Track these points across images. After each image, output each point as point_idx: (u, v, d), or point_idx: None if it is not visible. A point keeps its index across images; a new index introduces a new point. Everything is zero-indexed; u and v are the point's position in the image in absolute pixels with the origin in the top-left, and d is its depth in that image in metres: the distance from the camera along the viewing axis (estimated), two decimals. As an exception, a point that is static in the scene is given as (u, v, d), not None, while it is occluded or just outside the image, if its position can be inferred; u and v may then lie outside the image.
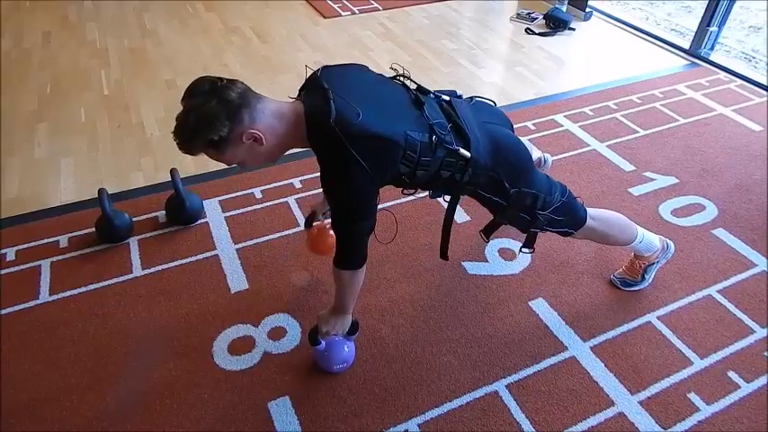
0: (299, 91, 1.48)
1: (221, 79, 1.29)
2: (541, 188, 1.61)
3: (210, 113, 1.24)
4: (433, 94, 1.58)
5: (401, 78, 1.56)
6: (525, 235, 1.69)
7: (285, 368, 1.72)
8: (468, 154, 1.46)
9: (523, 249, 1.71)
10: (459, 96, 1.65)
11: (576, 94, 3.21)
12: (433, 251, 2.11)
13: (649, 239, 1.90)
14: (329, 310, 1.64)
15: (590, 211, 1.76)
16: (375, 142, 1.32)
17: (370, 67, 1.57)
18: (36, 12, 4.17)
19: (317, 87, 1.38)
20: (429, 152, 1.41)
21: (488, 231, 1.77)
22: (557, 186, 1.66)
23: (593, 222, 1.75)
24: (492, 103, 1.72)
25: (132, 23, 4.04)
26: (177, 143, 1.30)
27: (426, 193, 1.73)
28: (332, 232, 1.90)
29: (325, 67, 1.46)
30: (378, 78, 1.53)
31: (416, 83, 1.57)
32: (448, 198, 1.68)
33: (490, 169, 1.52)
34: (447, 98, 1.57)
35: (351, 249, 1.48)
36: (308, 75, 1.46)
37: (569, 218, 1.70)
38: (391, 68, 1.62)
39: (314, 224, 1.93)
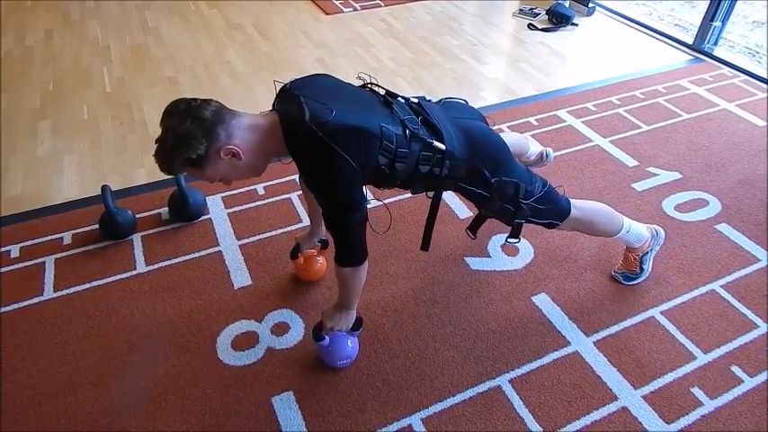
0: (273, 104, 1.49)
1: (195, 99, 1.31)
2: (522, 177, 1.63)
3: (187, 133, 1.26)
4: (402, 97, 1.61)
5: (369, 86, 1.60)
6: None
7: (289, 363, 1.73)
8: (442, 146, 1.49)
9: (509, 240, 1.73)
10: (429, 100, 1.69)
11: (578, 90, 3.21)
12: (436, 247, 2.12)
13: (637, 230, 1.91)
14: (333, 307, 1.64)
15: (574, 201, 1.77)
16: (352, 134, 1.34)
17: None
18: (38, 10, 4.18)
19: (289, 96, 1.41)
20: (405, 144, 1.44)
21: (474, 227, 1.77)
22: (537, 177, 1.69)
23: (578, 212, 1.76)
24: (463, 102, 1.76)
25: (134, 21, 4.05)
26: (158, 164, 1.31)
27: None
28: (318, 259, 1.96)
29: (294, 80, 1.49)
30: (346, 84, 1.56)
31: (385, 89, 1.60)
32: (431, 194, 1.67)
33: (468, 161, 1.55)
34: (416, 100, 1.62)
35: (349, 244, 1.48)
36: (278, 89, 1.48)
37: (552, 208, 1.71)
38: (358, 77, 1.65)
39: (299, 254, 1.95)
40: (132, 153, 2.66)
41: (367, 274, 1.56)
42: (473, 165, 1.56)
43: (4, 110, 2.97)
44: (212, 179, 1.39)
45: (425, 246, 1.73)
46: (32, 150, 2.67)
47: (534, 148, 2.35)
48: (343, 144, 1.32)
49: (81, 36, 3.80)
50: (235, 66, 3.46)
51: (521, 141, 2.31)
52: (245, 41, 3.77)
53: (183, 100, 1.32)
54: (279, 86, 1.49)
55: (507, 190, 1.61)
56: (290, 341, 1.79)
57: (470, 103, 1.80)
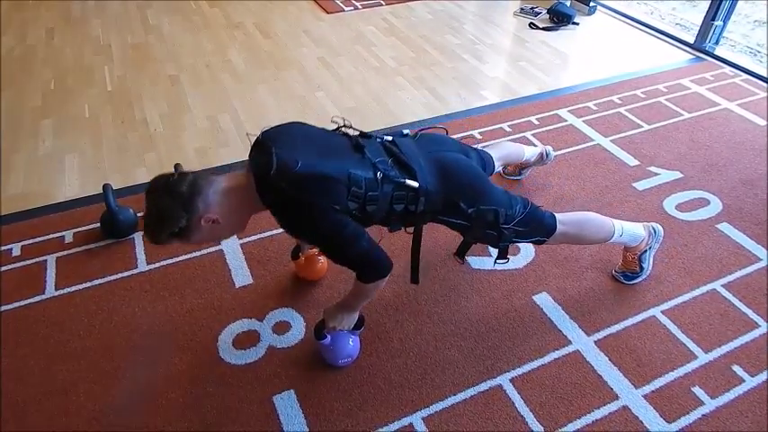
0: (249, 158, 1.51)
1: (173, 174, 1.36)
2: (500, 203, 1.64)
3: (167, 209, 1.32)
4: (377, 137, 1.63)
5: (343, 129, 1.62)
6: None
7: (290, 362, 1.73)
8: (415, 184, 1.52)
9: (498, 261, 1.74)
10: (406, 135, 1.71)
11: (579, 89, 3.20)
12: (437, 246, 2.12)
13: (632, 231, 1.90)
14: (336, 306, 1.65)
15: (559, 216, 1.78)
16: (319, 182, 1.37)
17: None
18: (39, 8, 4.18)
19: (261, 148, 1.43)
20: (375, 187, 1.46)
21: (461, 253, 1.78)
22: (517, 199, 1.69)
23: (564, 227, 1.77)
24: (441, 132, 1.79)
25: (135, 19, 4.05)
26: (147, 239, 1.38)
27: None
28: (320, 259, 1.95)
29: (265, 131, 1.50)
30: (318, 130, 1.58)
31: (358, 130, 1.63)
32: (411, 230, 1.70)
33: (443, 194, 1.57)
34: (390, 138, 1.64)
35: (365, 265, 1.50)
36: (253, 141, 1.50)
37: (536, 228, 1.73)
38: (332, 122, 1.67)
39: (300, 254, 1.95)
40: (133, 152, 2.66)
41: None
42: (449, 198, 1.59)
43: (6, 108, 2.98)
44: (199, 243, 1.45)
45: (415, 278, 1.76)
46: (34, 149, 2.67)
47: (532, 151, 2.35)
48: (310, 193, 1.36)
49: (82, 35, 3.80)
50: (236, 64, 3.46)
51: (515, 151, 2.30)
52: (246, 40, 3.77)
53: (162, 177, 1.37)
54: (254, 138, 1.51)
55: (486, 218, 1.63)
56: (291, 340, 1.80)
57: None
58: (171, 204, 1.31)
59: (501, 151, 2.19)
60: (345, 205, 1.42)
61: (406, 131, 1.74)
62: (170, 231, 1.33)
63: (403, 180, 1.51)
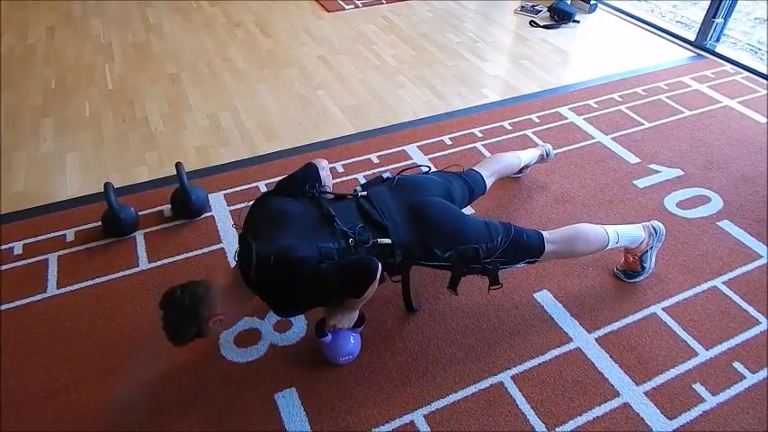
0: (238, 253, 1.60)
1: (176, 291, 1.47)
2: (479, 238, 1.67)
3: (178, 324, 1.47)
4: (351, 194, 1.74)
5: (318, 195, 1.68)
6: None
7: (291, 360, 1.73)
8: (388, 241, 1.59)
9: (491, 287, 1.76)
10: (386, 179, 1.77)
11: (580, 87, 3.20)
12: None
13: (629, 234, 1.89)
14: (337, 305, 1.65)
15: (547, 234, 1.77)
16: (293, 266, 1.46)
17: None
18: (40, 7, 4.18)
19: (244, 242, 1.54)
20: (349, 253, 1.55)
21: (453, 286, 1.78)
22: (498, 229, 1.70)
23: (553, 246, 1.77)
24: (425, 170, 1.92)
25: (136, 18, 4.05)
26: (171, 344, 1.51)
27: None
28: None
29: (247, 219, 1.65)
30: (291, 207, 1.63)
31: (333, 193, 1.73)
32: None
33: (418, 242, 1.63)
34: (364, 193, 1.73)
35: (352, 280, 1.52)
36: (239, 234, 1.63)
37: (521, 252, 1.74)
38: (308, 189, 1.70)
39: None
40: (134, 150, 2.66)
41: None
42: (425, 244, 1.64)
43: (7, 107, 2.98)
44: (214, 335, 1.62)
45: (409, 308, 1.86)
46: (35, 148, 2.68)
47: (529, 157, 2.34)
48: (286, 277, 1.47)
49: (83, 33, 3.80)
50: (236, 63, 3.46)
51: (510, 163, 2.25)
52: (246, 39, 3.77)
53: (170, 294, 1.47)
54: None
55: (467, 256, 1.66)
56: (292, 338, 1.80)
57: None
58: (180, 318, 1.46)
59: (495, 165, 2.16)
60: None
61: (386, 175, 1.81)
62: (186, 339, 1.49)
63: (375, 240, 1.58)
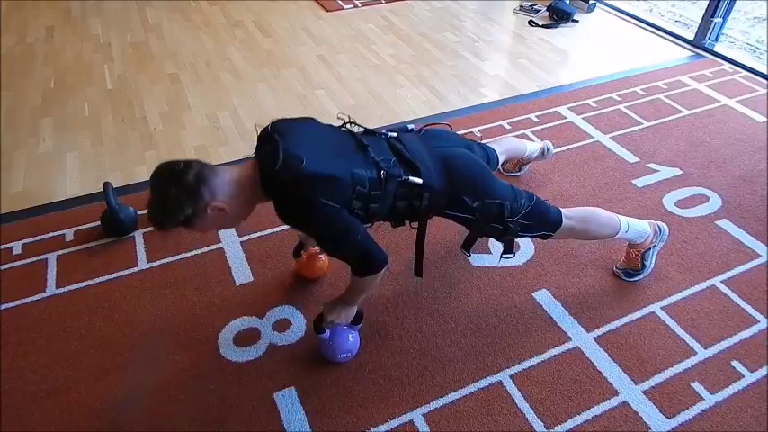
0: (256, 149, 1.53)
1: (179, 163, 1.36)
2: (505, 196, 1.65)
3: (173, 199, 1.33)
4: (381, 133, 1.65)
5: (348, 126, 1.63)
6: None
7: (290, 359, 1.73)
8: (419, 180, 1.53)
9: (504, 256, 1.75)
10: (411, 130, 1.73)
11: (579, 86, 3.21)
12: (437, 243, 2.12)
13: (638, 227, 1.90)
14: (335, 300, 1.66)
15: (565, 211, 1.78)
16: (323, 183, 1.38)
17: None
18: (39, 7, 4.18)
19: (268, 141, 1.45)
20: (378, 186, 1.48)
21: (467, 246, 1.78)
22: (522, 193, 1.70)
23: (570, 222, 1.77)
24: (447, 127, 1.81)
25: (135, 18, 4.05)
26: (152, 226, 1.38)
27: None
28: (321, 257, 1.97)
29: (275, 122, 1.52)
30: (324, 128, 1.59)
31: (363, 127, 1.64)
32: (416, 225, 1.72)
33: (447, 189, 1.58)
34: (394, 134, 1.65)
35: (360, 259, 1.51)
36: (260, 131, 1.52)
37: (541, 221, 1.73)
38: (338, 118, 1.68)
39: (302, 252, 1.96)
40: (133, 150, 2.66)
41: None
42: (453, 193, 1.60)
43: (6, 107, 2.98)
44: (203, 232, 1.47)
45: (418, 271, 1.78)
46: (34, 147, 2.67)
47: (534, 147, 2.36)
48: (313, 192, 1.37)
49: (82, 33, 3.80)
50: (236, 63, 3.46)
51: (515, 147, 2.30)
52: (245, 39, 3.77)
53: (166, 165, 1.36)
54: (263, 128, 1.53)
55: (492, 211, 1.63)
56: (291, 337, 1.80)
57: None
58: (177, 193, 1.32)
59: (504, 146, 2.20)
60: (348, 205, 1.44)
61: (410, 126, 1.75)
62: (176, 220, 1.34)
63: (406, 177, 1.52)
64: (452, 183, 1.59)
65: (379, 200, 1.49)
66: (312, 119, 1.60)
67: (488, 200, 1.62)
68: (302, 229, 1.53)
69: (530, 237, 1.76)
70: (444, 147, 1.68)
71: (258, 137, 1.52)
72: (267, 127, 1.50)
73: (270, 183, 1.41)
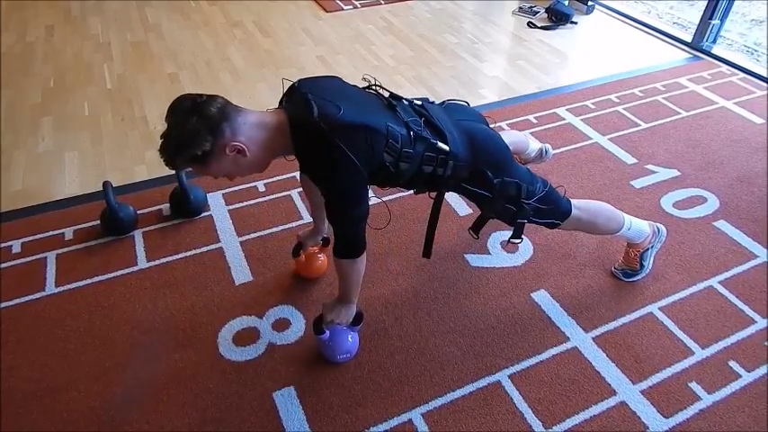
0: (280, 102, 1.51)
1: (201, 96, 1.31)
2: (523, 178, 1.66)
3: (192, 130, 1.26)
4: (405, 99, 1.63)
5: (374, 88, 1.61)
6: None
7: (289, 359, 1.74)
8: (446, 147, 1.52)
9: (512, 240, 1.74)
10: (432, 102, 1.70)
11: (577, 88, 3.21)
12: (436, 244, 2.11)
13: (638, 226, 1.91)
14: (334, 300, 1.66)
15: (575, 201, 1.79)
16: (359, 132, 1.36)
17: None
18: (39, 6, 4.17)
19: (297, 94, 1.43)
20: (409, 145, 1.46)
21: (477, 227, 1.79)
22: (537, 178, 1.71)
23: (579, 212, 1.77)
24: (465, 104, 1.79)
25: (135, 17, 4.05)
26: (163, 159, 1.32)
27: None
28: (320, 257, 1.98)
29: (302, 79, 1.50)
30: (352, 86, 1.57)
31: (389, 91, 1.61)
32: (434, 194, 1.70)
33: (470, 162, 1.57)
34: (419, 102, 1.63)
35: (348, 237, 1.50)
36: (287, 87, 1.50)
37: (553, 208, 1.73)
38: (363, 79, 1.67)
39: (302, 252, 1.97)
40: (133, 149, 2.67)
41: (368, 270, 1.57)
42: (476, 166, 1.59)
43: (6, 106, 2.98)
44: (216, 175, 1.40)
45: (427, 253, 1.75)
46: (34, 146, 2.68)
47: (534, 146, 2.37)
48: (349, 141, 1.34)
49: (82, 32, 3.80)
50: (235, 63, 3.46)
51: (521, 140, 2.32)
52: (245, 39, 3.78)
53: (188, 96, 1.32)
54: (287, 84, 1.50)
55: (509, 190, 1.63)
56: (290, 337, 1.80)
57: (470, 102, 1.82)
58: (197, 127, 1.25)
59: (510, 137, 2.21)
60: (381, 157, 1.42)
61: (431, 100, 1.73)
62: (191, 155, 1.28)
63: (435, 141, 1.50)
64: (476, 156, 1.58)
65: (409, 159, 1.48)
66: (337, 77, 1.58)
67: (508, 178, 1.62)
68: (320, 183, 1.47)
69: (538, 223, 1.75)
70: (468, 120, 1.68)
71: (285, 92, 1.48)
72: (294, 83, 1.48)
73: (302, 132, 1.36)
